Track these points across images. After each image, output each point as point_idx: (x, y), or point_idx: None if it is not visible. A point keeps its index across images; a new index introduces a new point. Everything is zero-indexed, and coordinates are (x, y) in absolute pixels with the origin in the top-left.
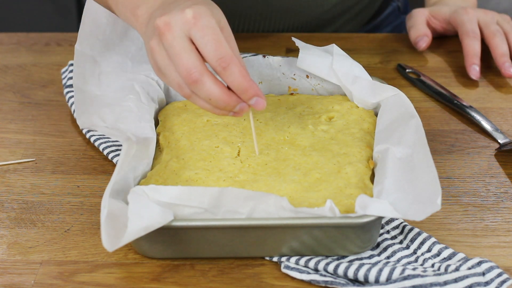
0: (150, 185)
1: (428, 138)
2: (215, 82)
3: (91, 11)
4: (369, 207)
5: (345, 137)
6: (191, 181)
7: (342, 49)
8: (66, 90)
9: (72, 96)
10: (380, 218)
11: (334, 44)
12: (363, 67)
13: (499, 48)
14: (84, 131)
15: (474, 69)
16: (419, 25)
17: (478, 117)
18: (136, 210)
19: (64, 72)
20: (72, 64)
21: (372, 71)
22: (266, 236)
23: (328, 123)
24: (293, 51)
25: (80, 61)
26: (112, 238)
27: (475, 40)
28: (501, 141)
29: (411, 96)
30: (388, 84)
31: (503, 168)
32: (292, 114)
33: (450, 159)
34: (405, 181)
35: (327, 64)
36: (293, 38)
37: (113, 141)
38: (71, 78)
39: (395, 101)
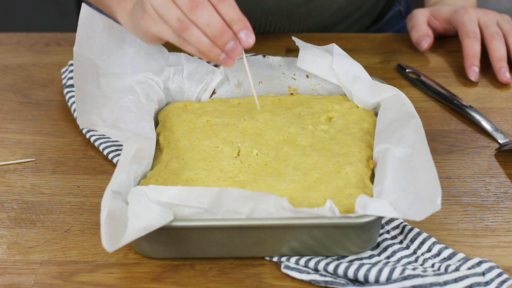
0: (150, 185)
1: (428, 138)
2: (214, 10)
3: (87, 16)
4: (369, 207)
5: (345, 137)
6: (191, 181)
7: (342, 49)
8: (66, 90)
9: (72, 96)
10: (380, 218)
11: (334, 44)
12: (363, 67)
13: (496, 52)
14: (84, 131)
15: (473, 71)
16: (421, 26)
17: (478, 117)
18: (136, 210)
19: (64, 72)
20: (72, 64)
21: (372, 71)
22: (266, 236)
23: (328, 123)
24: (293, 51)
25: (79, 62)
26: (112, 239)
27: (475, 41)
28: (501, 141)
29: (411, 96)
30: (388, 84)
31: (503, 168)
32: (292, 114)
33: (450, 159)
34: (405, 181)
35: (327, 64)
36: (293, 37)
37: (113, 141)
38: (71, 78)
39: (395, 101)
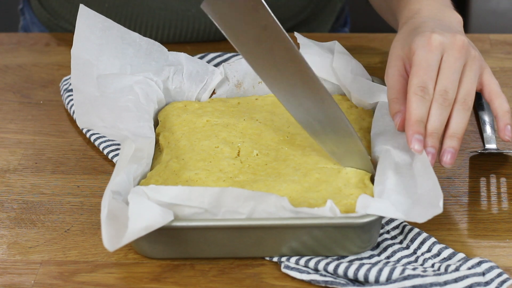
0: (150, 185)
1: None
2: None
3: (85, 17)
4: (370, 207)
5: None
6: (191, 182)
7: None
8: (66, 94)
9: (72, 99)
10: (380, 218)
11: (336, 41)
12: (363, 67)
13: (501, 107)
14: (84, 131)
15: (416, 140)
16: (392, 93)
17: (485, 118)
18: (136, 210)
19: (66, 79)
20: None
21: (372, 71)
22: (266, 236)
23: None
24: None
25: (77, 64)
26: (113, 238)
27: (422, 101)
28: (487, 145)
29: None
30: None
31: (503, 168)
32: None
33: None
34: (405, 186)
35: (328, 64)
36: (295, 34)
37: (113, 141)
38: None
39: None
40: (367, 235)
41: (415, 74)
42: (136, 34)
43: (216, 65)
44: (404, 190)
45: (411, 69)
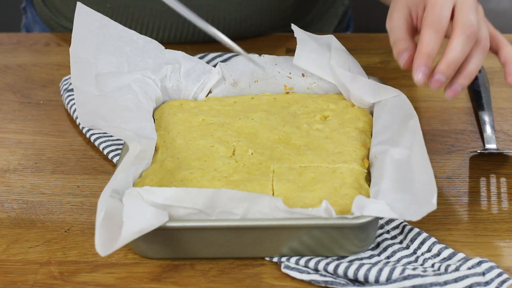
0: (145, 187)
1: (428, 138)
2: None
3: (82, 15)
4: (366, 208)
5: (340, 136)
6: (186, 181)
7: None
8: (66, 94)
9: (72, 99)
10: (376, 218)
11: (332, 36)
12: (363, 67)
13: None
14: (84, 130)
15: (421, 72)
16: (398, 34)
17: (485, 118)
18: (130, 213)
19: (66, 79)
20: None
21: (372, 71)
22: (261, 236)
23: (323, 122)
24: (292, 51)
25: (75, 63)
26: (106, 243)
27: (435, 36)
28: (487, 145)
29: (412, 96)
30: (389, 84)
31: (503, 168)
32: (287, 113)
33: (450, 159)
34: (402, 183)
35: (324, 62)
36: (292, 26)
37: (113, 140)
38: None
39: (395, 102)
40: (363, 235)
41: (430, 11)
42: (133, 32)
43: (216, 65)
44: (400, 187)
45: (426, 8)
